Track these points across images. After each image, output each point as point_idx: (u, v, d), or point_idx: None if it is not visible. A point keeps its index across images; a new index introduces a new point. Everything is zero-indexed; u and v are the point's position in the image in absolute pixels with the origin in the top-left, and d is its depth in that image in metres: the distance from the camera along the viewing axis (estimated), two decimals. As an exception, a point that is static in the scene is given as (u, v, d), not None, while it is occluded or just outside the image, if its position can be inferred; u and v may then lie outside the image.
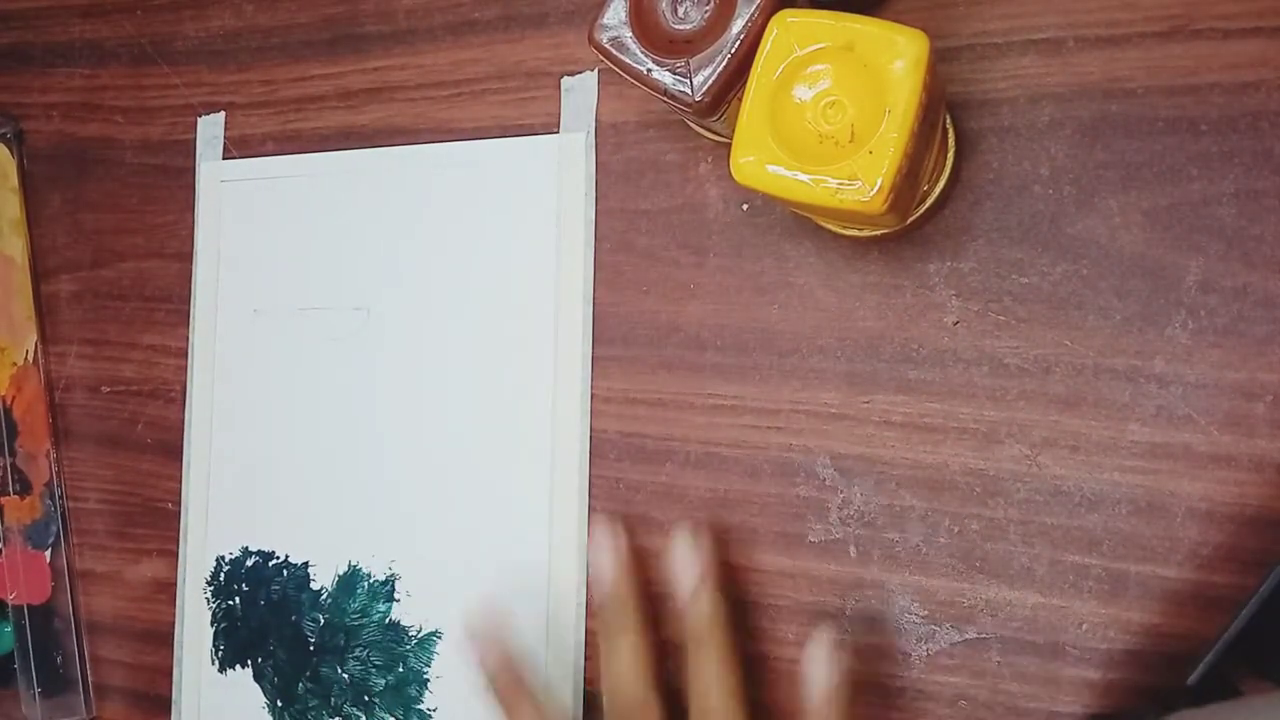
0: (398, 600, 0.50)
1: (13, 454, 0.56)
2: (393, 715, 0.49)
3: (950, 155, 0.41)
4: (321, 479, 0.52)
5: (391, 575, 0.50)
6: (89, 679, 0.56)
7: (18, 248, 0.58)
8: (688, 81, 0.37)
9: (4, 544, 0.56)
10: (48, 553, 0.57)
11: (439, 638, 0.49)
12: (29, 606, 0.55)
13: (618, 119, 0.48)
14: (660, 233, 0.47)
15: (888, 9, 0.43)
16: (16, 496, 0.56)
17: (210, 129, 0.55)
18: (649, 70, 0.38)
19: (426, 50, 0.51)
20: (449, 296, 0.50)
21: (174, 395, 0.55)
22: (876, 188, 0.34)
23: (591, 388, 0.47)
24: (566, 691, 0.46)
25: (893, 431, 0.43)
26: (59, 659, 0.56)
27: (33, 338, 0.58)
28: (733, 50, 0.37)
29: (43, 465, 0.57)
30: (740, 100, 0.36)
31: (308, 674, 0.51)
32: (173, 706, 0.54)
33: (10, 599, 0.55)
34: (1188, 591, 0.39)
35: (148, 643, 0.55)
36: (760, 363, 0.45)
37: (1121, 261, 0.40)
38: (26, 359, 0.58)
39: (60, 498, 0.57)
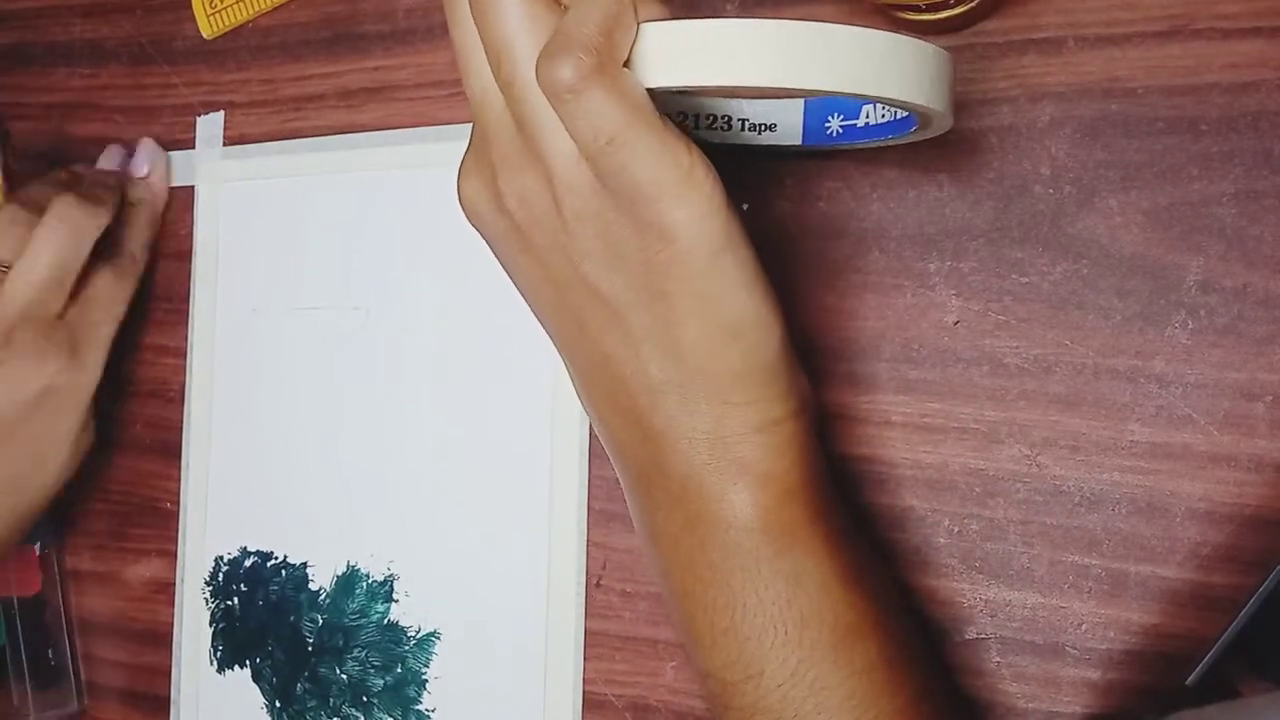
0: (396, 601, 0.50)
1: (12, 453, 0.56)
2: (391, 716, 0.49)
3: None
4: (320, 479, 0.52)
5: (390, 575, 0.50)
6: (80, 672, 0.56)
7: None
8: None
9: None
10: (37, 545, 0.56)
11: (438, 638, 0.49)
12: (19, 599, 0.55)
13: (617, 119, 0.48)
14: (660, 232, 0.47)
15: (888, 9, 0.43)
16: (15, 495, 0.56)
17: (209, 129, 0.55)
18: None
19: (426, 49, 0.51)
20: (449, 296, 0.50)
21: (173, 395, 0.55)
22: None
23: (591, 387, 0.47)
24: (567, 691, 0.46)
25: (893, 431, 0.43)
26: (50, 653, 0.56)
27: (32, 337, 0.58)
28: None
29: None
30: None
31: (306, 674, 0.51)
32: (171, 707, 0.54)
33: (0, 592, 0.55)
34: (1187, 591, 0.39)
35: (146, 643, 0.55)
36: (760, 362, 0.45)
37: (1122, 261, 0.40)
38: (25, 359, 0.58)
39: (58, 497, 0.57)
